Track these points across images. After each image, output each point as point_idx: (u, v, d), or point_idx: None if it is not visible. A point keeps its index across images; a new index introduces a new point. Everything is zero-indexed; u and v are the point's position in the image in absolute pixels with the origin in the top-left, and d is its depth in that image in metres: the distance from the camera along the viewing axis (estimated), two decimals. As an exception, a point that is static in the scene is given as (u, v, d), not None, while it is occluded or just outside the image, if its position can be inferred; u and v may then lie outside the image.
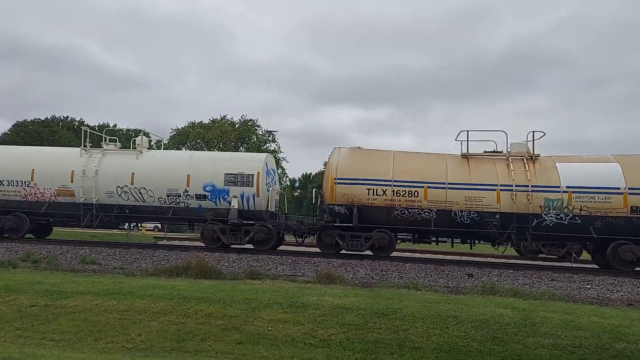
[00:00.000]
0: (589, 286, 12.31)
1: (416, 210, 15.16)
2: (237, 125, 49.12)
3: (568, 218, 14.53)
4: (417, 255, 19.36)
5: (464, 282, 12.25)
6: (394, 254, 19.01)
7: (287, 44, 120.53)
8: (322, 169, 58.73)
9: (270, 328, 7.79)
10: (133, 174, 16.95)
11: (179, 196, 16.76)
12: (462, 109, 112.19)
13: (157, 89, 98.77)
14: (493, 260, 18.58)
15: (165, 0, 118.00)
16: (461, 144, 15.85)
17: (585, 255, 17.39)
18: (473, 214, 14.91)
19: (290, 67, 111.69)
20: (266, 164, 17.34)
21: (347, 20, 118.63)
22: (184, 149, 43.58)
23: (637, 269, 14.55)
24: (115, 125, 66.66)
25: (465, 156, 15.80)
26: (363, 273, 12.96)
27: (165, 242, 22.11)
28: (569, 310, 8.99)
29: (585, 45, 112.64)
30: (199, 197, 16.69)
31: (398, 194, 15.26)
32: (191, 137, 47.46)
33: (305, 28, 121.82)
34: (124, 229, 24.53)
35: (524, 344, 7.44)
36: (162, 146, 21.73)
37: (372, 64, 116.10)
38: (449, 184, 15.15)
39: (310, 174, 64.84)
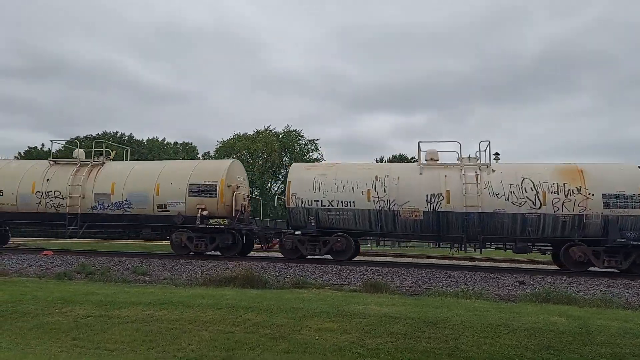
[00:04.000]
0: (649, 292, 11.73)
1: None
2: (280, 136, 49.78)
3: None
4: (466, 262, 18.93)
5: (515, 290, 11.91)
6: (439, 262, 18.70)
7: (319, 53, 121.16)
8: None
9: (317, 337, 7.78)
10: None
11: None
12: (503, 112, 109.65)
13: (195, 101, 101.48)
14: (545, 267, 17.97)
15: (197, 13, 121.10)
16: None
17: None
18: None
19: (324, 76, 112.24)
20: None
21: (377, 28, 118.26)
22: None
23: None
24: (164, 140, 68.78)
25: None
26: (410, 281, 12.80)
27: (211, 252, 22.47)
28: (627, 318, 8.60)
29: (624, 43, 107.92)
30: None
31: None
32: (236, 148, 48.37)
33: (335, 37, 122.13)
34: None
35: (580, 353, 7.13)
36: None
37: (407, 70, 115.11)
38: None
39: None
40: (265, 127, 50.86)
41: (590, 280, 12.94)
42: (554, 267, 17.59)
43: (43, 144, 57.89)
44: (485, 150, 15.98)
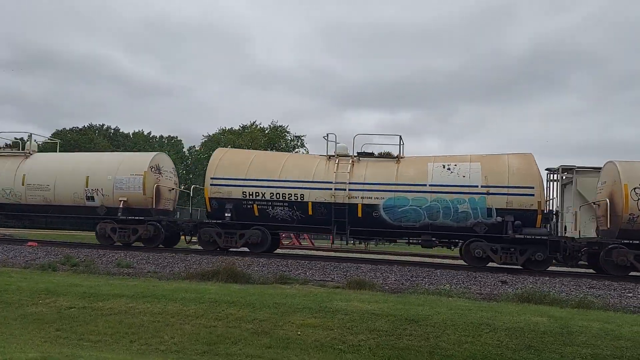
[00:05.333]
0: (631, 294, 11.87)
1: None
2: (266, 131, 49.76)
3: None
4: (447, 261, 19.08)
5: (498, 289, 12.01)
6: (424, 259, 18.82)
7: (307, 48, 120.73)
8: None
9: (299, 333, 7.80)
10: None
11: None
12: (490, 111, 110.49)
13: (183, 96, 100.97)
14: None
15: (186, 7, 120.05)
16: None
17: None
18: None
19: (311, 72, 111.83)
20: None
21: (365, 24, 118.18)
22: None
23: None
24: (149, 133, 68.32)
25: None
26: (393, 279, 12.86)
27: (197, 246, 22.36)
28: (608, 319, 8.70)
29: (616, 42, 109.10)
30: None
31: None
32: (222, 143, 48.24)
33: (323, 32, 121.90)
34: None
35: (561, 354, 7.23)
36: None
37: (395, 67, 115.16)
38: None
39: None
40: (252, 122, 50.90)
41: (572, 281, 13.09)
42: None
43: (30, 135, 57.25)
44: None
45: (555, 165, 19.93)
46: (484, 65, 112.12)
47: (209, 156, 20.08)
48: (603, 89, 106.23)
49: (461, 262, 17.98)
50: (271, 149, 49.06)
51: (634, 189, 14.22)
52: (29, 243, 17.38)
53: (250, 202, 16.18)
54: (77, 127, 59.79)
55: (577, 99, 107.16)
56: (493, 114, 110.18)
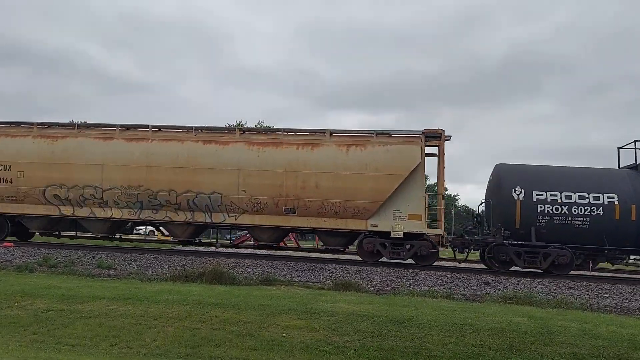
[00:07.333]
0: (607, 295, 12.15)
1: None
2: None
3: None
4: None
5: (481, 290, 12.13)
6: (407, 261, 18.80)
7: (287, 48, 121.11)
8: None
9: (285, 334, 7.77)
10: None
11: None
12: (470, 114, 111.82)
13: (160, 93, 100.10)
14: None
15: (164, 4, 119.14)
16: None
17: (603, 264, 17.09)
18: None
19: (292, 72, 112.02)
20: None
21: (344, 26, 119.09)
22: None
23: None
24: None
25: None
26: (378, 280, 12.89)
27: (180, 247, 22.18)
28: (586, 319, 8.88)
29: (587, 50, 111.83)
30: None
31: None
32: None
33: (303, 33, 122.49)
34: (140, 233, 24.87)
35: (541, 353, 7.34)
36: None
37: (374, 69, 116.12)
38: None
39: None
40: (237, 122, 50.61)
41: (552, 282, 13.30)
42: (517, 268, 17.97)
43: None
44: None
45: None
46: (462, 69, 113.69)
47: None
48: (575, 96, 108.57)
49: (443, 262, 18.10)
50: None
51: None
52: (5, 244, 17.01)
53: None
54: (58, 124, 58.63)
55: (552, 105, 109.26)
56: (473, 117, 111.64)
